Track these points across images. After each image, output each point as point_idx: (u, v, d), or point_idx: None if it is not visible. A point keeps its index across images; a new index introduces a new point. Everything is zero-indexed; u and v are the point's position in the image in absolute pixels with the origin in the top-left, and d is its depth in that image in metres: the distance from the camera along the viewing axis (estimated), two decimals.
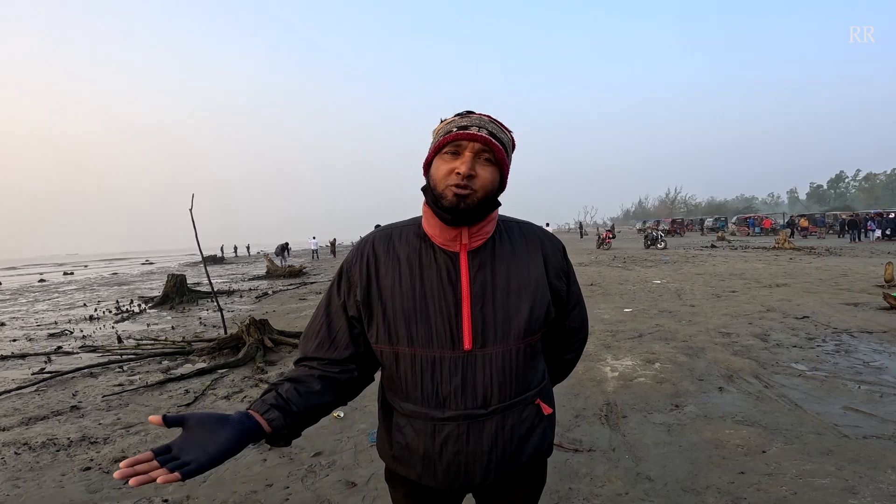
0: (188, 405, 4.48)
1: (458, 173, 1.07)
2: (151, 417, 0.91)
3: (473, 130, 1.09)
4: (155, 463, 0.89)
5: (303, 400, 1.11)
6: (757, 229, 41.57)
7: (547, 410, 1.24)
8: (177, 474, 0.88)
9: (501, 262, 1.17)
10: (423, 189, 1.17)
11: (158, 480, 0.87)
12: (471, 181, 1.08)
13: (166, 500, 2.85)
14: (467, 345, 1.11)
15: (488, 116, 1.15)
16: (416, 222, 1.23)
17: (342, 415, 4.07)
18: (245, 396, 4.66)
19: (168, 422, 0.92)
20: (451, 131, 1.10)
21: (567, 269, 1.29)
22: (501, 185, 1.16)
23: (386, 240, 1.21)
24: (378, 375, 1.32)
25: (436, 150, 1.13)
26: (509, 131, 1.18)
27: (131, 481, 0.87)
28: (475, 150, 1.09)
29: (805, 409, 3.79)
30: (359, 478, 3.03)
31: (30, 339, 8.40)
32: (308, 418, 1.13)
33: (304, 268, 22.08)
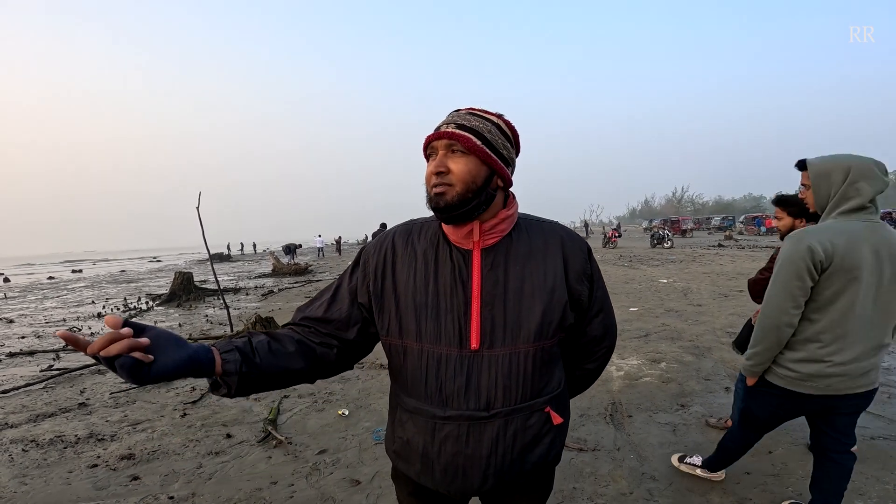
0: (194, 402, 4.51)
1: (432, 173, 1.10)
2: (108, 318, 0.87)
3: (442, 129, 1.11)
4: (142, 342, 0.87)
5: (270, 357, 1.09)
6: (764, 229, 41.26)
7: (557, 420, 1.18)
8: (150, 357, 0.87)
9: (516, 262, 1.15)
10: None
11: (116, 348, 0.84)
12: (444, 177, 1.08)
13: (172, 497, 2.87)
14: (474, 344, 1.10)
15: (468, 109, 1.15)
16: (437, 219, 1.21)
17: (347, 413, 4.08)
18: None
19: (126, 324, 0.88)
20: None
21: (591, 271, 1.23)
22: (495, 173, 1.13)
23: (406, 234, 1.22)
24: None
25: (426, 158, 1.16)
26: (498, 116, 1.16)
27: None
28: (444, 147, 1.10)
29: None
30: (363, 476, 3.04)
31: (38, 336, 8.46)
32: (267, 378, 1.09)
33: (310, 266, 22.16)
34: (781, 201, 2.84)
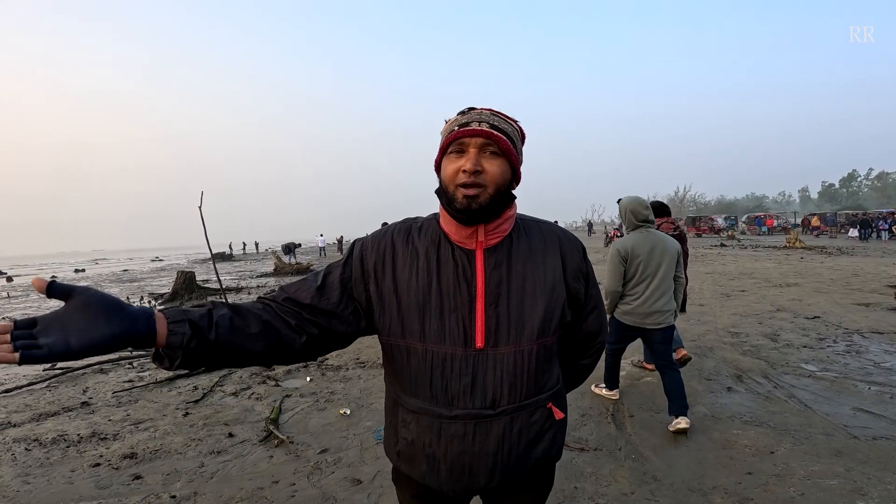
0: (196, 402, 4.52)
1: (465, 171, 1.06)
2: (35, 280, 0.80)
3: (474, 126, 1.08)
4: (6, 338, 0.79)
5: (229, 334, 1.01)
6: (765, 228, 41.07)
7: (559, 415, 1.21)
8: (14, 355, 0.77)
9: (517, 262, 1.16)
10: (437, 192, 1.16)
11: None
12: (478, 177, 1.06)
13: (174, 496, 2.87)
14: (479, 343, 1.10)
15: (490, 110, 1.14)
16: (436, 217, 1.22)
17: (348, 412, 4.08)
18: (253, 393, 4.69)
19: (51, 291, 0.81)
20: (454, 130, 1.10)
21: (586, 270, 1.26)
22: (514, 177, 1.15)
23: (405, 233, 1.21)
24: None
25: (442, 152, 1.13)
26: (515, 121, 1.17)
27: None
28: (479, 145, 1.08)
29: (814, 409, 3.76)
30: (364, 475, 3.04)
31: None
32: (219, 356, 1.01)
33: (312, 265, 22.16)
34: (659, 209, 4.74)
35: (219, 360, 1.03)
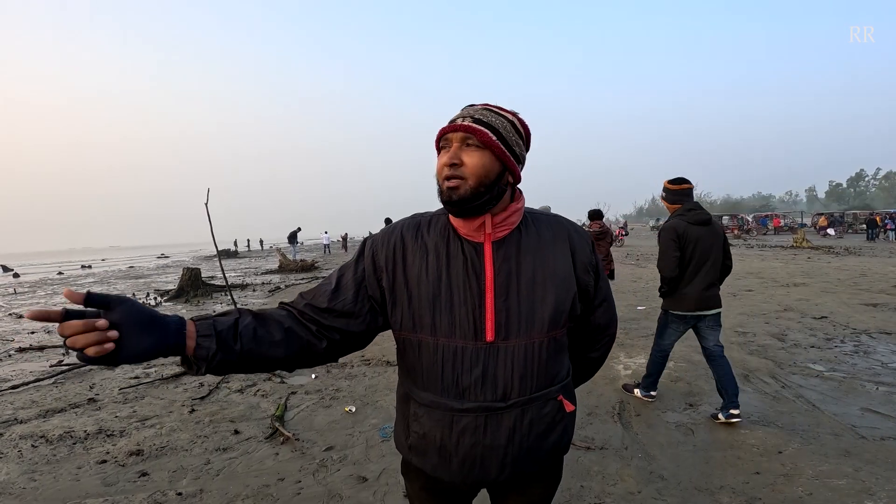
0: (202, 398, 4.53)
1: (445, 164, 1.10)
2: (66, 291, 0.85)
3: (458, 122, 1.11)
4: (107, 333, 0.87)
5: (252, 343, 1.07)
6: (772, 227, 40.77)
7: (569, 408, 1.22)
8: (107, 347, 0.86)
9: (527, 254, 1.16)
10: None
11: (90, 352, 0.84)
12: (457, 170, 1.09)
13: (180, 494, 2.88)
14: (490, 336, 1.11)
15: (483, 104, 1.15)
16: (445, 212, 1.23)
17: (354, 409, 4.08)
18: (258, 390, 4.70)
19: (90, 300, 0.88)
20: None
21: (595, 263, 1.26)
22: (506, 169, 1.13)
23: (414, 228, 1.22)
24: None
25: (437, 150, 1.16)
26: (512, 113, 1.17)
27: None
28: (459, 140, 1.10)
29: (822, 409, 3.74)
30: (370, 473, 3.04)
31: (48, 332, 8.51)
32: (243, 364, 1.07)
33: (316, 262, 22.19)
34: (596, 214, 7.38)
35: (244, 367, 1.08)
